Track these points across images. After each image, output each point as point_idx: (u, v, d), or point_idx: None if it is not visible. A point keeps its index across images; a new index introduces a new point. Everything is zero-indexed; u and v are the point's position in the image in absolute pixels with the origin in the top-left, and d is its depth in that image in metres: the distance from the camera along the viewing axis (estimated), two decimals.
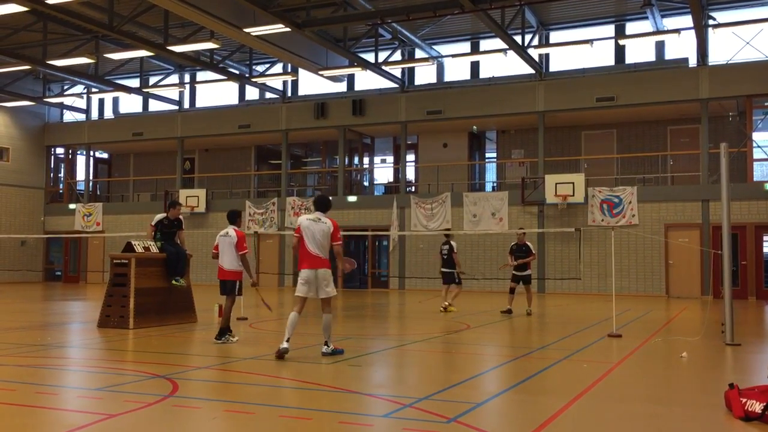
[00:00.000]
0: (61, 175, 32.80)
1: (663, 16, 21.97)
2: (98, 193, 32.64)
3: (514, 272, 15.11)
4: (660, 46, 23.46)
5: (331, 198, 9.80)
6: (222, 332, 9.86)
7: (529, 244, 15.37)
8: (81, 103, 31.75)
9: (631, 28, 23.57)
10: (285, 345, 8.23)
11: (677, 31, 20.73)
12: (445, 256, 15.61)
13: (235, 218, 10.19)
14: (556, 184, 22.34)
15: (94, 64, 24.73)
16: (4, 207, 29.43)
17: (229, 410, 5.92)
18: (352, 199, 25.92)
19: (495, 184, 26.63)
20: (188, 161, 30.49)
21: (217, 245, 10.05)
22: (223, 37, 22.20)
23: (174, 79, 29.12)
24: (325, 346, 8.55)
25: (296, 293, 8.53)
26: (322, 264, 8.42)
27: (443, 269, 15.65)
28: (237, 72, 26.66)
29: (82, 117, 31.71)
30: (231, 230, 9.98)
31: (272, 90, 27.80)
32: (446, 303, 15.43)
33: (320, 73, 24.19)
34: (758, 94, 21.37)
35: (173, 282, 12.17)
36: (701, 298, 20.65)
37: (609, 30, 23.83)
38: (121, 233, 23.74)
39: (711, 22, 21.47)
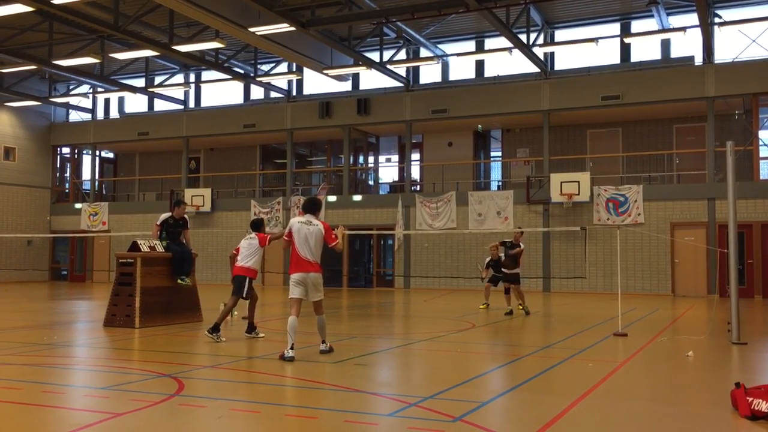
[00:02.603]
0: (67, 174, 32.89)
1: (668, 14, 21.90)
2: (104, 192, 32.72)
3: (505, 271, 15.00)
4: (666, 44, 23.37)
5: (320, 199, 9.92)
6: (215, 327, 10.04)
7: (521, 244, 15.18)
8: (87, 103, 31.80)
9: (636, 26, 23.50)
10: (291, 353, 8.20)
11: (683, 29, 20.65)
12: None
13: (258, 227, 10.74)
14: (561, 182, 22.30)
15: (100, 63, 24.78)
16: (10, 206, 29.52)
17: (235, 409, 5.93)
18: (357, 198, 25.92)
19: (500, 183, 26.58)
20: (193, 160, 30.53)
21: (239, 248, 10.56)
22: (228, 37, 22.21)
23: (179, 78, 29.16)
24: (323, 344, 8.74)
25: (291, 295, 8.56)
26: (313, 268, 8.49)
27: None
28: (242, 71, 26.67)
29: (87, 117, 31.78)
30: (255, 234, 10.57)
31: (277, 89, 27.82)
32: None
33: (325, 72, 24.19)
34: (764, 92, 21.24)
35: (179, 281, 12.22)
36: (707, 297, 20.58)
37: (614, 28, 23.76)
38: (126, 232, 23.86)
39: (717, 19, 21.38)
